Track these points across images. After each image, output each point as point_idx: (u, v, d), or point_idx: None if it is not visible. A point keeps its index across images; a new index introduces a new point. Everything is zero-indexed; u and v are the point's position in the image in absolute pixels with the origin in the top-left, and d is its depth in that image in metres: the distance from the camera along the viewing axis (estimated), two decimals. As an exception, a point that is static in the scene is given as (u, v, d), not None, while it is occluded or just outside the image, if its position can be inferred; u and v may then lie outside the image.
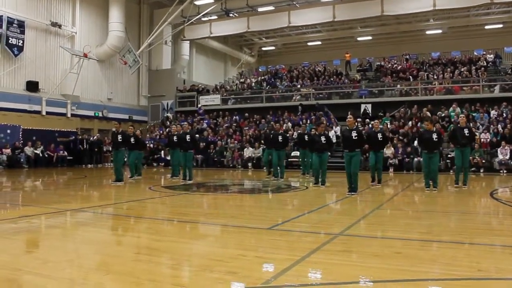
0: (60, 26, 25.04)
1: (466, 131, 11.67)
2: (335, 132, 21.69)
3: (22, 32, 22.79)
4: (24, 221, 6.74)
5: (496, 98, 22.22)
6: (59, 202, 9.23)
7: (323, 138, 11.91)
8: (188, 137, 14.40)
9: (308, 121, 23.38)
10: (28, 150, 22.11)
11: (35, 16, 23.83)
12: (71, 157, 24.05)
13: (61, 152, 23.57)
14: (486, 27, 31.49)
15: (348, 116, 11.13)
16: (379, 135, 12.47)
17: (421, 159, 16.88)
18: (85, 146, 24.42)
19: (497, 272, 4.04)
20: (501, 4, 25.36)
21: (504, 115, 20.79)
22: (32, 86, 23.57)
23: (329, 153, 12.43)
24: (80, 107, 26.26)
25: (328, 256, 4.58)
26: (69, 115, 25.62)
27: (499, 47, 27.95)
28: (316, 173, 12.46)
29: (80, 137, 24.97)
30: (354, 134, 10.40)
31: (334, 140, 18.72)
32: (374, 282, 3.70)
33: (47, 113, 24.24)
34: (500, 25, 30.91)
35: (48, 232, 6.27)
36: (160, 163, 24.30)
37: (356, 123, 12.71)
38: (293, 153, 21.48)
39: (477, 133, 19.46)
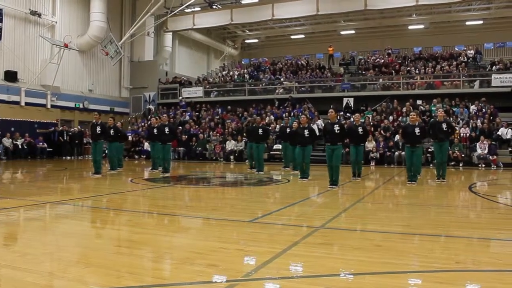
0: (39, 15, 24.52)
1: (444, 125, 11.80)
2: (318, 125, 21.74)
3: (0, 20, 22.25)
4: (2, 214, 6.63)
5: (475, 94, 22.53)
6: (38, 195, 9.10)
7: (306, 132, 11.94)
8: (167, 129, 14.34)
9: (291, 114, 23.43)
10: (7, 141, 21.70)
11: (14, 4, 23.25)
12: (51, 149, 23.69)
13: (41, 143, 23.21)
14: (467, 23, 31.82)
15: (330, 110, 11.16)
16: (360, 129, 12.55)
17: (403, 152, 17.14)
18: (65, 138, 24.08)
19: (474, 264, 4.11)
20: (482, 0, 25.71)
21: (483, 110, 21.11)
22: (11, 76, 23.06)
23: (312, 147, 12.43)
24: (60, 98, 25.83)
25: (309, 249, 4.61)
26: (49, 106, 25.17)
27: (479, 43, 28.33)
28: (300, 166, 12.47)
29: (60, 128, 24.61)
30: (336, 127, 10.49)
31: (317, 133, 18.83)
32: (354, 274, 3.74)
33: (26, 103, 23.77)
34: (481, 22, 31.29)
35: (27, 225, 6.18)
36: (142, 155, 24.08)
37: (338, 117, 12.77)
38: (275, 146, 21.52)
39: (457, 128, 19.75)
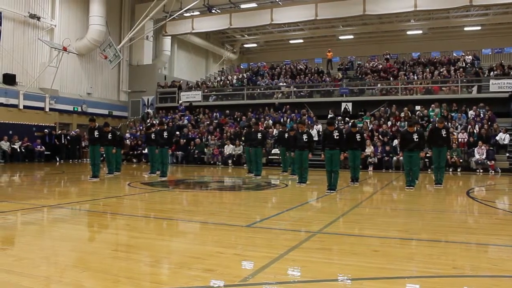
0: (38, 18, 24.55)
1: (443, 132, 11.84)
2: (317, 130, 21.75)
3: (-1, 24, 22.29)
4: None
5: (473, 99, 22.59)
6: (35, 198, 9.07)
7: (305, 136, 11.95)
8: (165, 133, 14.36)
9: (289, 119, 23.44)
10: (4, 144, 21.66)
11: (13, 7, 23.27)
12: (49, 152, 23.63)
13: (39, 147, 23.16)
14: (465, 28, 32.03)
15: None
16: (357, 136, 12.60)
17: (401, 157, 17.16)
18: (63, 141, 24.03)
19: (472, 269, 4.11)
20: (480, 6, 25.84)
21: (481, 115, 21.14)
22: (9, 79, 23.06)
23: (310, 152, 12.43)
24: (58, 101, 25.80)
25: (307, 254, 4.60)
26: (47, 110, 25.14)
27: (477, 49, 28.43)
28: (299, 171, 12.45)
29: (59, 131, 24.55)
30: (335, 133, 10.52)
31: (315, 138, 18.85)
32: (352, 280, 3.73)
33: (25, 107, 23.75)
34: (478, 27, 31.47)
35: (23, 229, 6.16)
36: (144, 160, 23.93)
37: (336, 125, 12.81)
38: (273, 151, 21.50)
39: (455, 133, 19.78)
